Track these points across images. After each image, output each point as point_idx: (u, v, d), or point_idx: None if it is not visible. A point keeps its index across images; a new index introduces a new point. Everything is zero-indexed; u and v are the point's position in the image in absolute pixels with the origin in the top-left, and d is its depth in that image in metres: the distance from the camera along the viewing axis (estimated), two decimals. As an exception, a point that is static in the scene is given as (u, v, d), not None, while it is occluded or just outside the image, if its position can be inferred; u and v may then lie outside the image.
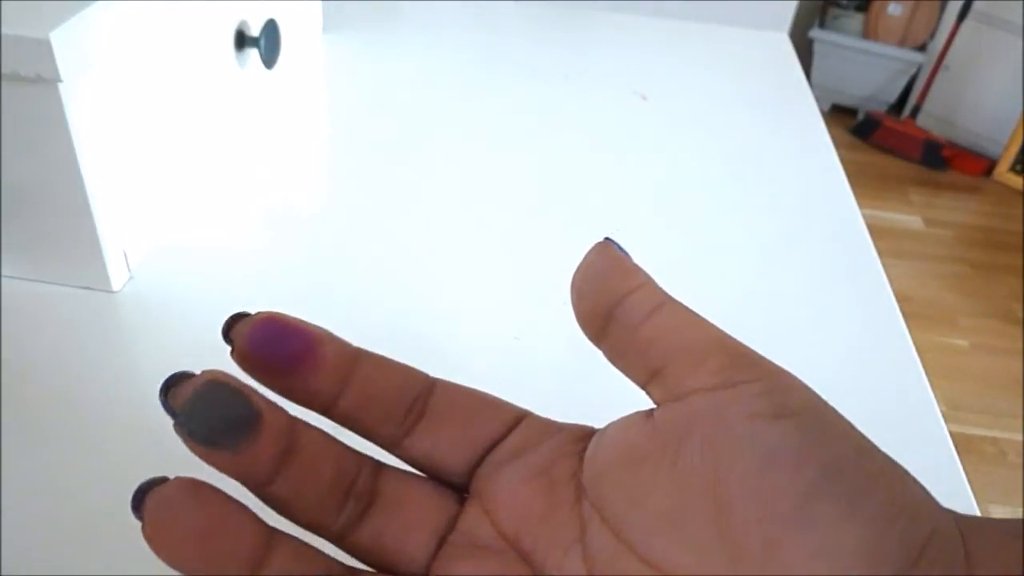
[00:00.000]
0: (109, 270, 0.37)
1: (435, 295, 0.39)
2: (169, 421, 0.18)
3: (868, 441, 0.17)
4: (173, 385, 0.18)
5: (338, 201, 0.46)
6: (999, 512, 1.35)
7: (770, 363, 0.18)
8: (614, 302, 0.19)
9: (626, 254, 0.20)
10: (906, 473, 0.17)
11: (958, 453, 0.34)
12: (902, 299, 0.41)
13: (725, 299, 0.41)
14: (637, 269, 0.20)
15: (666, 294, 0.19)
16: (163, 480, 0.17)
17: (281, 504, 0.19)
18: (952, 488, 0.32)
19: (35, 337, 0.34)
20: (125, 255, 0.38)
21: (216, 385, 0.18)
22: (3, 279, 0.37)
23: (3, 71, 0.30)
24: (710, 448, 0.17)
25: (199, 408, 0.18)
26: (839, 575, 0.15)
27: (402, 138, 0.52)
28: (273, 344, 0.19)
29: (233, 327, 0.19)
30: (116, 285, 0.37)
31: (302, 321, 0.20)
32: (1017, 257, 2.04)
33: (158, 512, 0.17)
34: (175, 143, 0.42)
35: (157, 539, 0.17)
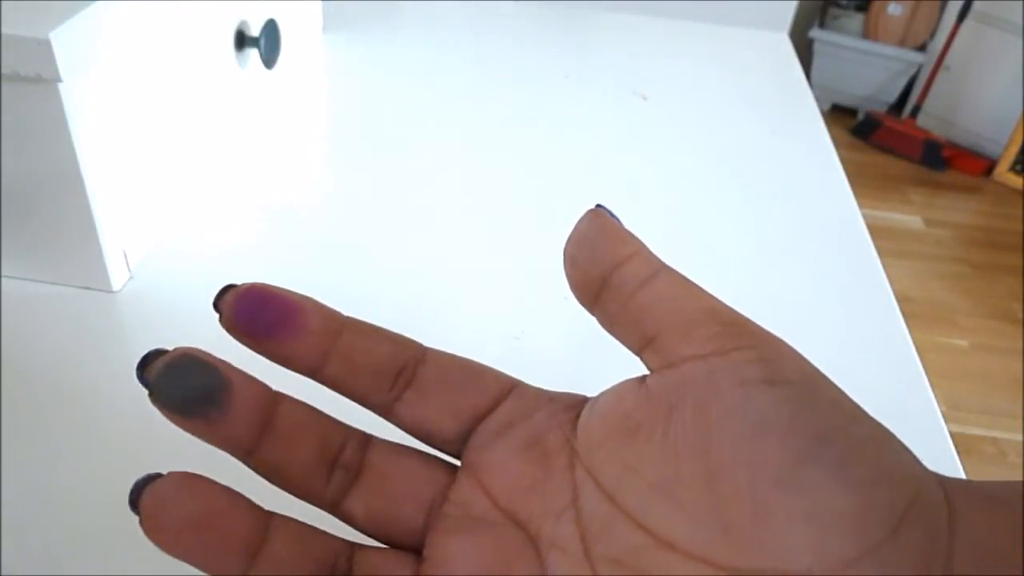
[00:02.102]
0: (109, 270, 0.37)
1: (435, 295, 0.39)
2: (170, 422, 0.19)
3: (858, 408, 0.17)
4: (149, 361, 0.19)
5: (338, 201, 0.46)
6: (999, 512, 1.35)
7: (763, 331, 0.18)
8: (608, 269, 0.19)
9: (618, 221, 0.20)
10: (893, 438, 0.17)
11: (958, 453, 0.34)
12: (902, 299, 0.41)
13: (725, 299, 0.41)
14: (630, 236, 0.20)
15: (660, 261, 0.20)
16: (158, 476, 0.18)
17: (268, 472, 0.20)
18: (952, 488, 0.32)
19: (35, 337, 0.34)
20: (125, 255, 0.38)
21: (187, 358, 0.19)
22: (3, 279, 0.37)
23: (3, 71, 0.30)
24: (702, 415, 0.17)
25: (170, 379, 0.19)
26: (825, 538, 0.15)
27: (402, 138, 0.52)
28: (256, 310, 0.20)
29: (222, 298, 0.20)
30: (116, 285, 0.37)
31: (285, 290, 0.21)
32: (1017, 257, 2.04)
33: (154, 505, 0.18)
34: (175, 143, 0.42)
35: (155, 531, 0.18)
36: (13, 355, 0.33)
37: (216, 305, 0.20)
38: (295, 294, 0.21)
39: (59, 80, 0.31)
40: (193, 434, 0.19)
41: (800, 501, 0.15)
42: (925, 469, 0.17)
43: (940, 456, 0.34)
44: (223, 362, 0.19)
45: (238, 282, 0.21)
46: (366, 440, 0.21)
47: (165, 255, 0.40)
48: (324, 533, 0.20)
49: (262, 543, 0.19)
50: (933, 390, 0.37)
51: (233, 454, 0.20)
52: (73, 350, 0.34)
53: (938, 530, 0.16)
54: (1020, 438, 1.51)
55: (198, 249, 0.41)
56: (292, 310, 0.20)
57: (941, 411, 0.35)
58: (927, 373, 0.38)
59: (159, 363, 0.19)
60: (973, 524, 0.16)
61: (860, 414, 0.17)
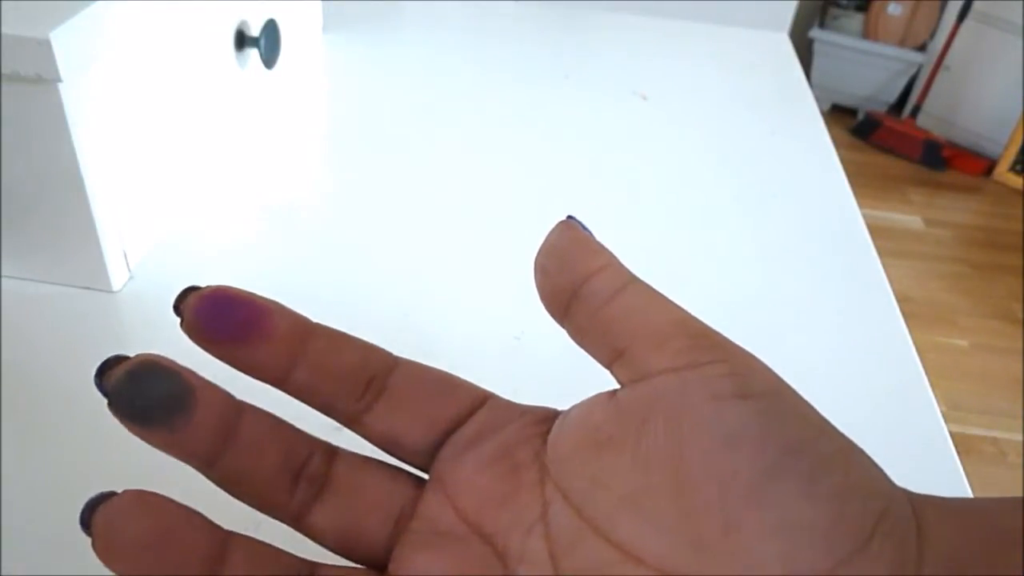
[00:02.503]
0: (109, 270, 0.37)
1: (435, 294, 0.39)
2: (131, 433, 0.18)
3: (827, 423, 0.17)
4: (107, 369, 0.18)
5: (338, 201, 0.46)
6: (999, 512, 1.35)
7: (733, 345, 0.18)
8: (578, 281, 0.19)
9: (589, 233, 0.20)
10: (862, 453, 0.17)
11: (958, 453, 0.34)
12: (902, 299, 0.41)
13: (725, 299, 0.41)
14: (601, 248, 0.20)
15: (630, 274, 0.19)
16: (112, 494, 0.17)
17: (229, 484, 0.19)
18: (952, 488, 0.32)
19: (35, 337, 0.34)
20: (125, 255, 0.38)
21: (148, 365, 0.18)
22: (3, 279, 0.37)
23: (3, 71, 0.30)
24: (673, 429, 0.17)
25: (131, 387, 0.18)
26: (796, 551, 0.15)
27: (402, 138, 0.52)
28: (220, 315, 0.19)
29: (183, 300, 0.20)
30: (116, 285, 0.37)
31: (251, 293, 0.20)
32: (1017, 257, 2.04)
33: (107, 525, 0.17)
34: (175, 143, 0.42)
35: (108, 552, 0.17)
36: (13, 355, 0.33)
37: (177, 308, 0.20)
38: (261, 297, 0.20)
39: (59, 80, 0.31)
40: (154, 445, 0.18)
41: (770, 514, 0.15)
42: (893, 484, 0.17)
43: (940, 456, 0.34)
44: (186, 369, 0.19)
45: (201, 284, 0.20)
46: (332, 452, 0.21)
47: (165, 255, 0.40)
48: (283, 552, 0.19)
49: (220, 564, 0.18)
50: (933, 390, 0.37)
51: (194, 465, 0.19)
52: (73, 350, 0.34)
53: (907, 543, 0.16)
54: (1020, 438, 1.51)
55: (198, 249, 0.41)
56: (258, 314, 0.20)
57: (941, 411, 0.35)
58: (927, 373, 0.38)
59: (119, 370, 0.18)
60: (941, 537, 0.16)
61: (829, 428, 0.17)
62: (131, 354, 0.19)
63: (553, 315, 0.20)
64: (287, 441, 0.20)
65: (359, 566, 0.20)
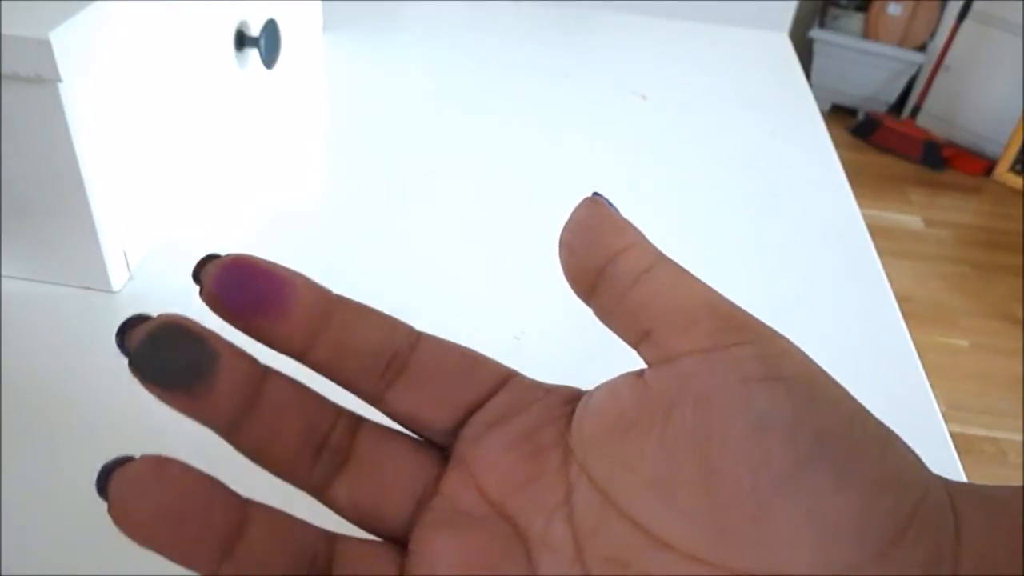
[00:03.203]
0: (109, 270, 0.37)
1: (435, 294, 0.39)
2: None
3: (861, 407, 0.17)
4: (129, 328, 0.18)
5: (338, 201, 0.46)
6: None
7: (763, 326, 0.17)
8: (605, 260, 0.19)
9: (616, 210, 0.19)
10: (897, 439, 0.16)
11: (958, 453, 0.34)
12: (902, 299, 0.41)
13: (725, 299, 0.41)
14: (628, 225, 0.19)
15: (658, 252, 0.19)
16: (129, 459, 0.17)
17: (251, 452, 0.19)
18: (952, 488, 0.32)
19: (35, 337, 0.34)
20: (125, 255, 0.38)
21: (172, 327, 0.18)
22: (3, 279, 0.37)
23: (3, 71, 0.30)
24: (701, 412, 0.16)
25: (153, 349, 0.17)
26: (827, 543, 0.15)
27: (402, 138, 0.52)
28: (242, 285, 0.19)
29: (203, 268, 0.19)
30: (116, 285, 0.37)
31: (275, 264, 0.19)
32: (1017, 257, 2.04)
33: (124, 491, 0.16)
34: (175, 143, 0.42)
35: (124, 519, 0.16)
36: (13, 355, 0.33)
37: (196, 276, 0.19)
38: (284, 268, 0.19)
39: (59, 80, 0.31)
40: (174, 408, 0.18)
41: (802, 504, 0.15)
42: (930, 472, 0.16)
43: (940, 456, 0.34)
44: (210, 332, 0.18)
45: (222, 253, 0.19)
46: (356, 422, 0.20)
47: (165, 255, 0.40)
48: (303, 523, 0.19)
49: (239, 535, 0.17)
50: (933, 390, 0.37)
51: (215, 430, 0.19)
52: (73, 350, 0.34)
53: (944, 534, 0.15)
54: (1020, 438, 1.51)
55: (198, 249, 0.41)
56: (281, 285, 0.19)
57: (941, 411, 0.35)
58: (927, 373, 0.38)
59: (140, 331, 0.17)
60: (975, 528, 0.16)
61: (863, 414, 0.16)
62: (153, 314, 0.18)
63: (578, 294, 0.20)
64: (311, 410, 0.20)
65: (379, 539, 0.20)
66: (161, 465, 0.17)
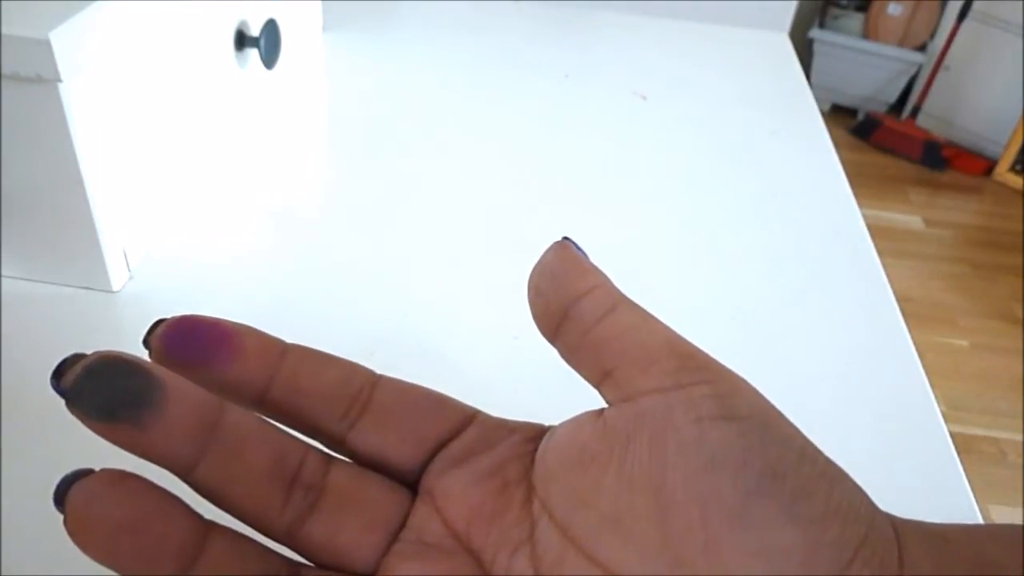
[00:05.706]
0: (109, 270, 0.37)
1: (435, 294, 0.39)
2: (94, 433, 0.17)
3: (811, 445, 0.17)
4: (65, 368, 0.17)
5: (338, 201, 0.46)
6: (999, 512, 1.35)
7: (720, 366, 0.18)
8: (569, 302, 0.19)
9: (583, 254, 0.20)
10: (845, 476, 0.17)
11: (958, 453, 0.34)
12: (902, 299, 0.41)
13: (725, 299, 0.41)
14: (593, 269, 0.20)
15: (621, 295, 0.19)
16: (88, 472, 0.17)
17: (214, 491, 0.18)
18: (952, 488, 0.32)
19: (35, 337, 0.34)
20: (125, 255, 0.38)
21: (110, 360, 0.17)
22: (3, 279, 0.37)
23: (3, 71, 0.30)
24: (656, 449, 0.17)
25: (91, 383, 0.17)
26: (776, 575, 0.15)
27: (402, 138, 0.52)
28: (188, 337, 0.19)
29: (152, 332, 0.20)
30: (116, 285, 0.37)
31: (216, 318, 0.20)
32: (1017, 257, 2.03)
33: (81, 505, 0.16)
34: (175, 143, 0.42)
35: (80, 533, 0.16)
36: (13, 355, 0.33)
37: (146, 341, 0.19)
38: (228, 321, 0.20)
39: (59, 80, 0.31)
40: (122, 445, 0.17)
41: (751, 537, 0.16)
42: (876, 508, 0.17)
43: (940, 456, 0.34)
44: (154, 365, 0.17)
45: (170, 315, 0.20)
46: (326, 457, 0.20)
47: (165, 255, 0.40)
48: (266, 549, 0.19)
49: (198, 554, 0.17)
50: (933, 390, 0.37)
51: (171, 468, 0.18)
52: (73, 350, 0.34)
53: (888, 568, 0.16)
54: (1020, 438, 1.51)
55: (198, 249, 0.41)
56: (224, 334, 0.20)
57: (941, 411, 0.35)
58: (927, 373, 0.38)
59: (77, 368, 0.17)
60: (920, 562, 0.16)
61: (812, 451, 0.17)
62: (88, 352, 0.17)
63: (544, 334, 0.20)
64: (277, 444, 0.19)
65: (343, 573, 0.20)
66: (121, 479, 0.17)
